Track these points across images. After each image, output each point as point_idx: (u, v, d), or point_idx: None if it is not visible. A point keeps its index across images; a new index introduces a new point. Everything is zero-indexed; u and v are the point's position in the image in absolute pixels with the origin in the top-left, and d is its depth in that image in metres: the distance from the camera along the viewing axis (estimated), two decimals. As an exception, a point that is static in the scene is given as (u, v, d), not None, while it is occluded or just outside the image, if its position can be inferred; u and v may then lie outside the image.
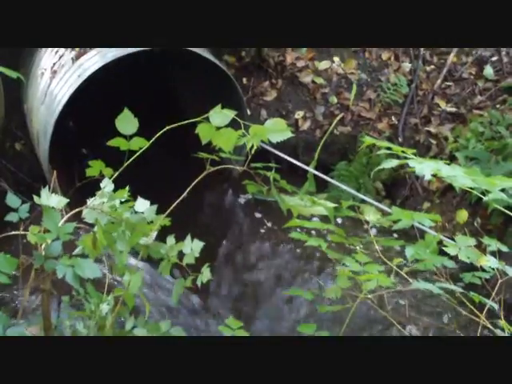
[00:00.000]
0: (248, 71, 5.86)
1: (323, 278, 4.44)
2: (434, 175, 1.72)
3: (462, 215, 4.76)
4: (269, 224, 5.15)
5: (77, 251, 2.52)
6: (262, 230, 5.13)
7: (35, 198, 2.40)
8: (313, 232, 4.44)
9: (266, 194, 2.86)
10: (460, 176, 1.71)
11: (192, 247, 2.85)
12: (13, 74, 2.58)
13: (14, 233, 2.52)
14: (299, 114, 5.72)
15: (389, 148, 1.87)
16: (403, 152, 1.81)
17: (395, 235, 4.64)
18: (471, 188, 1.78)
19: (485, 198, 1.79)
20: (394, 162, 1.81)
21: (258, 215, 5.28)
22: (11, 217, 2.46)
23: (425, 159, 1.74)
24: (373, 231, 4.71)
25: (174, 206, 2.62)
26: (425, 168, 1.70)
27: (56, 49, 4.92)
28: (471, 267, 2.51)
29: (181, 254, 2.85)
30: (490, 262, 2.38)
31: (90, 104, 5.79)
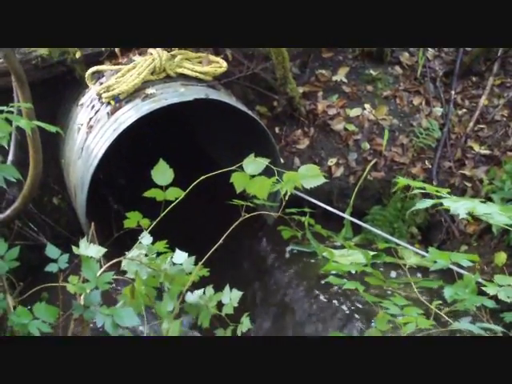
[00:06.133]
0: (280, 120, 5.91)
1: (362, 320, 4.38)
2: (472, 217, 1.72)
3: (501, 257, 4.70)
4: (303, 273, 5.10)
5: (119, 305, 2.55)
6: (296, 280, 5.08)
7: (74, 248, 2.44)
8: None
9: (301, 239, 2.87)
10: (496, 213, 1.70)
11: (231, 297, 2.86)
12: (52, 129, 2.67)
13: (53, 284, 2.55)
14: (332, 161, 5.73)
15: (423, 188, 1.87)
16: (437, 192, 1.82)
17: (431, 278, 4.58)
18: (509, 226, 1.77)
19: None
20: (428, 202, 1.81)
21: (293, 266, 5.23)
22: (51, 267, 2.51)
23: (460, 198, 1.74)
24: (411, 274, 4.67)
25: (209, 253, 2.65)
26: (459, 207, 1.70)
27: (92, 104, 5.03)
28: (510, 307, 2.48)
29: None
30: (531, 301, 2.34)
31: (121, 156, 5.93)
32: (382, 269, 4.46)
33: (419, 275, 4.57)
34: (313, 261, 5.10)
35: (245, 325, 2.81)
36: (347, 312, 4.51)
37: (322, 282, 4.80)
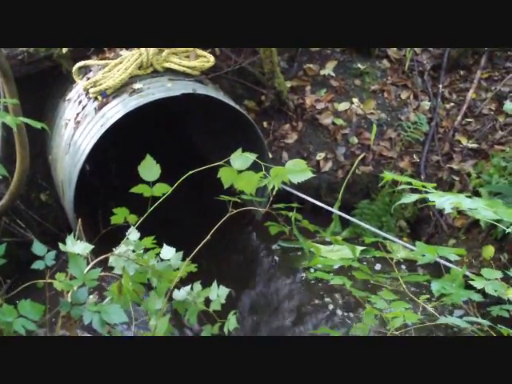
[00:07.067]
0: (268, 115, 5.90)
1: (350, 316, 4.39)
2: (458, 211, 1.72)
3: (489, 251, 4.72)
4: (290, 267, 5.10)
5: (106, 301, 2.53)
6: (284, 274, 5.07)
7: (60, 245, 2.43)
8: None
9: (289, 235, 2.87)
10: (481, 208, 1.70)
11: (218, 293, 2.85)
12: (37, 125, 2.65)
13: (40, 281, 2.54)
14: (320, 156, 5.73)
15: (409, 183, 1.87)
16: (424, 187, 1.81)
17: (421, 272, 4.60)
18: (496, 221, 1.77)
19: (508, 230, 1.78)
20: (414, 197, 1.81)
21: (280, 260, 5.23)
22: (37, 265, 2.49)
23: (445, 193, 1.73)
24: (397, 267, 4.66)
25: (197, 249, 2.64)
26: (445, 201, 1.69)
27: (79, 99, 5.01)
28: (498, 300, 2.49)
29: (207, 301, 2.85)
30: (517, 294, 2.35)
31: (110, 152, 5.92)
32: (365, 263, 4.46)
33: (403, 267, 4.59)
34: (299, 253, 5.12)
35: (231, 323, 2.80)
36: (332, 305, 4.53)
37: (303, 274, 4.82)
